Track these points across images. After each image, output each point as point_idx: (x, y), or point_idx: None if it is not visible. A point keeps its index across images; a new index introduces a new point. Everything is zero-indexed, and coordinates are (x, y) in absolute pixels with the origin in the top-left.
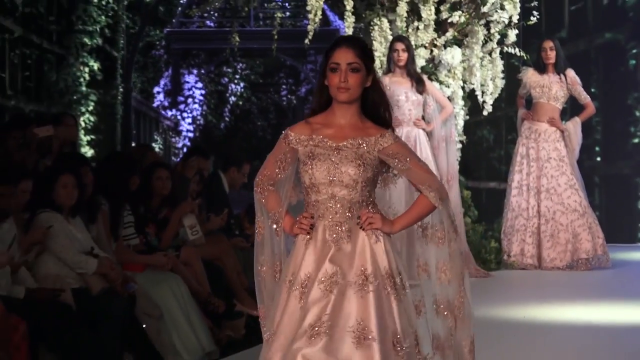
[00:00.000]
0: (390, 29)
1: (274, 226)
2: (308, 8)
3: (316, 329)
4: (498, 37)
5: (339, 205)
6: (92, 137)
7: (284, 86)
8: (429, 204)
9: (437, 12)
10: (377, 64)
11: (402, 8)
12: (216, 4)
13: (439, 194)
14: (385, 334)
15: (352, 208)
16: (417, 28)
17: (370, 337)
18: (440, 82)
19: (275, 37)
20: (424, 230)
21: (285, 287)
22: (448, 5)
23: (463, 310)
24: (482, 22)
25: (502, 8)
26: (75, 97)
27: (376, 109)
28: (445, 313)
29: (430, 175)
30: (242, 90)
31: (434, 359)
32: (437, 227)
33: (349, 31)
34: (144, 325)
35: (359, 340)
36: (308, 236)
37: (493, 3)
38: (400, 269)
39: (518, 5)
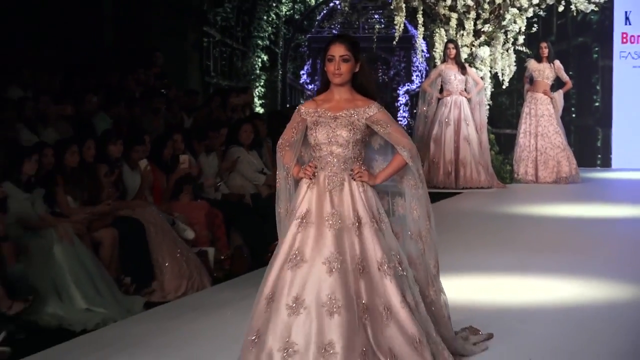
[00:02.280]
0: (446, 35)
1: (287, 174)
2: (395, 22)
3: (329, 261)
4: (512, 40)
5: (335, 160)
6: (262, 101)
7: (380, 70)
8: (402, 161)
9: (475, 24)
10: (437, 56)
11: (453, 22)
12: (339, 19)
13: (411, 153)
14: (371, 263)
15: (346, 162)
16: (462, 34)
17: (360, 266)
18: (476, 68)
19: (375, 39)
20: (401, 179)
21: (291, 219)
22: (481, 20)
23: (429, 238)
24: (502, 30)
25: (515, 22)
26: (252, 77)
27: (364, 88)
28: (417, 239)
29: (405, 138)
30: None
31: (409, 273)
32: (410, 177)
33: (421, 37)
34: None
35: (358, 271)
36: (311, 181)
37: (509, 19)
38: (380, 209)
39: (525, 20)
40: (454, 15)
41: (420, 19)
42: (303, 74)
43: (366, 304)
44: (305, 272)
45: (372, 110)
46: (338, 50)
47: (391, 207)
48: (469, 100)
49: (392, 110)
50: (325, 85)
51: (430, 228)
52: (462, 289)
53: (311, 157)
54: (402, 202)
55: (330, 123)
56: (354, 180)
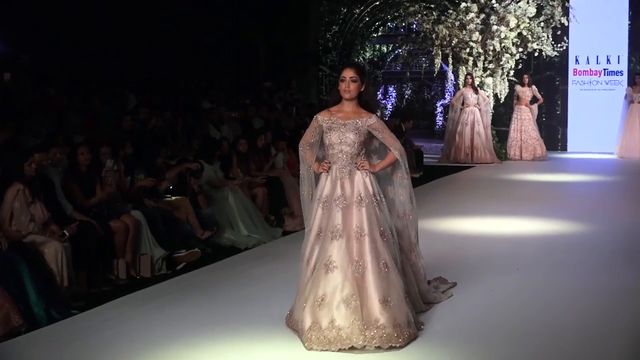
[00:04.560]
0: (465, 70)
1: (309, 168)
2: (435, 62)
3: (333, 232)
4: (506, 73)
5: (344, 156)
6: None
7: (425, 91)
8: (393, 157)
9: (483, 64)
10: (460, 83)
11: (470, 62)
12: (400, 61)
13: (400, 152)
14: (373, 231)
15: (352, 158)
16: (475, 70)
17: (363, 233)
18: (484, 90)
19: (422, 73)
20: (393, 172)
21: (315, 203)
22: (487, 61)
23: (411, 216)
24: (500, 67)
25: (508, 62)
26: None
27: (367, 103)
28: (402, 217)
29: (396, 142)
30: (410, 90)
31: (396, 242)
32: (399, 171)
33: (450, 71)
34: None
35: (357, 237)
36: (327, 173)
37: (504, 60)
38: (379, 191)
39: (514, 61)
40: (471, 58)
41: (450, 61)
42: (379, 94)
43: (362, 259)
44: (325, 241)
45: (372, 120)
46: (348, 73)
47: (385, 193)
48: (479, 110)
49: (432, 117)
50: (336, 100)
51: (413, 208)
52: (474, 225)
53: (324, 155)
54: (392, 189)
55: (341, 128)
56: (358, 170)
